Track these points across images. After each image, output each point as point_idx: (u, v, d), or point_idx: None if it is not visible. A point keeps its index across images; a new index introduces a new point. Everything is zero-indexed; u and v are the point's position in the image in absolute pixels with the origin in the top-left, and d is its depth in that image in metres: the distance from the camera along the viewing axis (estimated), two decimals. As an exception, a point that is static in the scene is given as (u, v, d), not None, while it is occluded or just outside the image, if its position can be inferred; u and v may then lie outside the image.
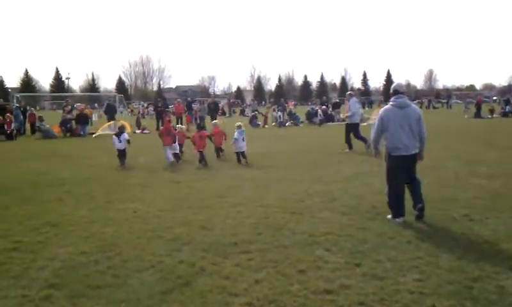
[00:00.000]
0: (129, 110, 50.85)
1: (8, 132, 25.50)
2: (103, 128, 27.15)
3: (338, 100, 45.25)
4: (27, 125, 29.51)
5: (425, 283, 4.85)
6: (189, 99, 43.41)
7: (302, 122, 35.73)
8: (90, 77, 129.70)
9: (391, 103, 7.46)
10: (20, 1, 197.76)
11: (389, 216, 7.38)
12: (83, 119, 28.49)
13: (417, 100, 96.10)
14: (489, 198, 8.58)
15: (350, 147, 16.81)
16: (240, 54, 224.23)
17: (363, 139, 16.48)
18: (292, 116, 36.49)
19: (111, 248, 6.24)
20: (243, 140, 14.38)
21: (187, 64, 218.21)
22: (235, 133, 14.51)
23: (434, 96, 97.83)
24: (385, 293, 4.61)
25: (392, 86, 7.78)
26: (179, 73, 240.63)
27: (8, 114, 26.46)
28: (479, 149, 15.97)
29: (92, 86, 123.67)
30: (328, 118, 35.36)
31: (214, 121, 19.23)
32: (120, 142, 14.15)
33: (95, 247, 6.32)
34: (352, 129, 16.99)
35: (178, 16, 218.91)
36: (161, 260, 5.73)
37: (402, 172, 7.30)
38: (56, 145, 21.78)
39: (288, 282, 4.97)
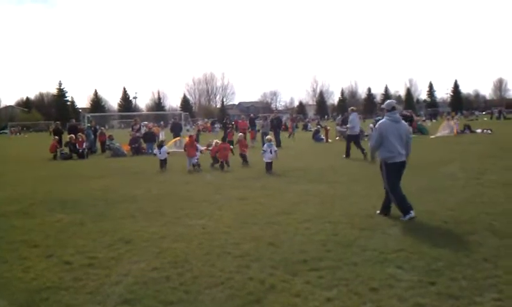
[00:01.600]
0: (194, 127, 51.80)
1: (80, 151, 26.51)
2: (169, 145, 27.73)
3: (407, 113, 44.37)
4: (98, 144, 30.52)
5: (505, 303, 4.67)
6: (252, 115, 43.74)
7: (367, 136, 35.18)
8: (156, 96, 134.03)
9: (387, 118, 8.72)
10: (89, 23, 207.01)
11: (402, 217, 8.26)
12: (150, 138, 29.22)
13: (486, 111, 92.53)
14: None
15: (347, 155, 19.87)
16: (302, 68, 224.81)
17: (362, 149, 19.41)
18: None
19: (181, 264, 6.35)
20: (271, 152, 16.22)
21: (249, 80, 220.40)
22: (264, 146, 16.64)
23: (504, 107, 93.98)
24: (462, 313, 4.44)
25: (388, 102, 9.05)
26: (241, 89, 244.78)
27: (80, 134, 27.56)
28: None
29: (158, 105, 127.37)
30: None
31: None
32: (161, 153, 18.43)
33: (166, 263, 6.45)
34: (353, 139, 20.23)
35: (239, 33, 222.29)
36: (231, 277, 5.77)
37: (398, 176, 8.62)
38: (125, 163, 22.43)
39: (361, 301, 4.89)
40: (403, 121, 8.94)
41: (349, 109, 23.31)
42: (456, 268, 5.69)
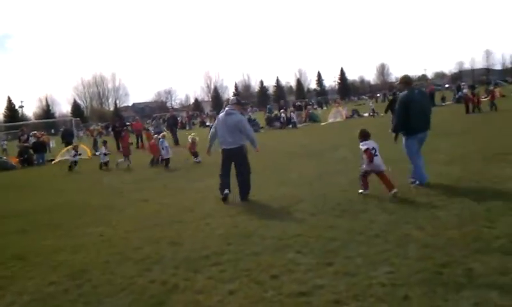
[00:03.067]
0: (87, 132, 49.93)
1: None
2: (62, 153, 26.62)
3: (300, 103, 45.85)
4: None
5: (396, 275, 4.91)
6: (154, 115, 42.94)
7: (262, 127, 35.91)
8: (44, 103, 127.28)
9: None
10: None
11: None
12: (41, 147, 27.86)
13: (370, 94, 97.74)
14: (450, 183, 8.80)
15: None
16: (195, 65, 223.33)
17: None
18: (252, 122, 36.59)
19: (80, 275, 6.11)
20: (163, 148, 17.44)
21: (142, 80, 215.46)
22: (162, 143, 17.60)
23: (388, 90, 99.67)
24: (358, 289, 4.66)
25: (231, 99, 10.62)
26: (135, 90, 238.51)
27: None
28: (436, 136, 16.29)
29: (47, 112, 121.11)
30: (289, 122, 35.63)
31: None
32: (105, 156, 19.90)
33: (63, 276, 6.18)
34: None
35: (128, 31, 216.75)
36: (132, 282, 5.65)
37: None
38: (15, 176, 21.28)
39: (263, 289, 4.97)
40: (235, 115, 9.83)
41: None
42: (351, 247, 5.94)
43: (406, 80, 9.52)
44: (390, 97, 30.82)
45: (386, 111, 22.88)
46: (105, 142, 21.47)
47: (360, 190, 8.73)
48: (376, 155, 8.56)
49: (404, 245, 5.76)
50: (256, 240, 6.71)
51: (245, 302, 4.72)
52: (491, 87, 40.01)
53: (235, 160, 9.72)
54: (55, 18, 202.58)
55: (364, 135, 8.93)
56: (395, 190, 8.25)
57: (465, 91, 39.28)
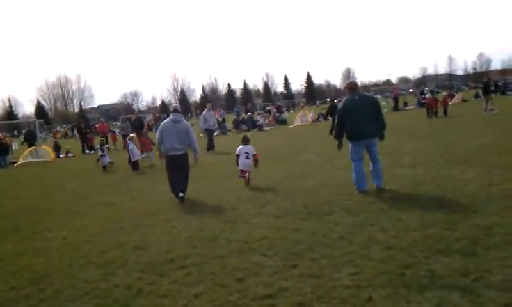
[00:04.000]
0: (50, 134, 48.95)
1: None
2: (24, 155, 26.07)
3: (269, 108, 46.33)
4: None
5: (360, 276, 4.97)
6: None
7: (230, 130, 35.93)
8: (7, 104, 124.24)
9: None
10: None
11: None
12: (3, 149, 27.19)
13: (338, 99, 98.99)
14: (413, 186, 8.96)
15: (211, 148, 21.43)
16: (162, 67, 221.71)
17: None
18: (220, 125, 36.57)
19: (42, 280, 6.00)
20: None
21: (107, 81, 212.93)
22: (129, 144, 17.51)
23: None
24: (322, 291, 4.69)
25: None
26: (100, 91, 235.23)
27: None
28: (401, 140, 16.61)
29: (10, 113, 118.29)
30: (254, 125, 35.72)
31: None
32: (105, 157, 18.37)
33: (24, 280, 6.05)
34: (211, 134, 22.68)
35: (94, 32, 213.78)
36: (96, 286, 5.56)
37: None
38: (-26, 179, 20.68)
39: (228, 292, 4.96)
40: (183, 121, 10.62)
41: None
42: (316, 249, 5.98)
43: (350, 86, 9.45)
44: (329, 103, 31.54)
45: (325, 117, 23.46)
46: (103, 141, 20.51)
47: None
48: (248, 158, 11.08)
49: (368, 247, 5.83)
50: (221, 243, 6.69)
51: (210, 305, 4.70)
52: (445, 93, 40.78)
53: (181, 164, 10.28)
54: (18, 16, 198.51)
55: (244, 140, 11.42)
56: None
57: (428, 95, 40.03)
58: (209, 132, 22.87)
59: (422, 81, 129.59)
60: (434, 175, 9.82)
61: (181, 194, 9.91)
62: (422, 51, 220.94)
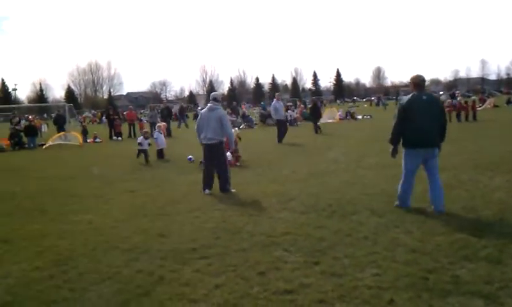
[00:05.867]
0: (81, 119, 49.56)
1: None
2: (53, 139, 26.49)
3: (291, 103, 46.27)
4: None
5: (383, 278, 4.92)
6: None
7: (256, 124, 35.92)
8: (38, 87, 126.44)
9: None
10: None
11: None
12: (32, 131, 27.68)
13: (366, 98, 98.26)
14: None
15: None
16: (192, 58, 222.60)
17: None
18: (246, 119, 36.59)
19: (66, 261, 6.07)
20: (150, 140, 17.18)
21: (137, 70, 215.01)
22: (155, 133, 17.88)
23: (383, 94, 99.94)
24: (344, 290, 4.66)
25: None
26: (130, 79, 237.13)
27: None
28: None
29: (40, 97, 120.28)
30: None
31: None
32: (143, 144, 16.65)
33: (49, 261, 6.13)
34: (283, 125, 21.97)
35: (126, 21, 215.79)
36: (118, 271, 5.62)
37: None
38: (4, 158, 21.12)
39: (248, 285, 4.96)
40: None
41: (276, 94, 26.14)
42: (338, 248, 5.94)
43: (415, 81, 7.59)
44: (309, 105, 31.55)
45: (308, 118, 23.76)
46: (147, 133, 18.10)
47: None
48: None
49: (391, 249, 5.76)
50: (244, 236, 6.70)
51: (230, 297, 4.70)
52: (475, 97, 39.68)
53: (214, 154, 10.07)
54: (53, 2, 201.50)
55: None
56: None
57: (459, 99, 39.38)
58: (281, 123, 21.98)
59: (454, 84, 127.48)
60: (463, 180, 9.65)
61: (207, 191, 9.94)
62: (454, 53, 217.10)
